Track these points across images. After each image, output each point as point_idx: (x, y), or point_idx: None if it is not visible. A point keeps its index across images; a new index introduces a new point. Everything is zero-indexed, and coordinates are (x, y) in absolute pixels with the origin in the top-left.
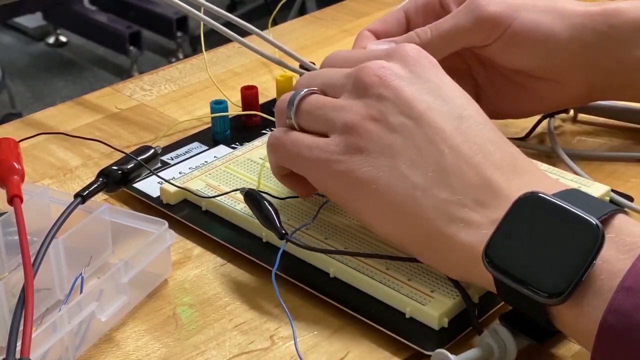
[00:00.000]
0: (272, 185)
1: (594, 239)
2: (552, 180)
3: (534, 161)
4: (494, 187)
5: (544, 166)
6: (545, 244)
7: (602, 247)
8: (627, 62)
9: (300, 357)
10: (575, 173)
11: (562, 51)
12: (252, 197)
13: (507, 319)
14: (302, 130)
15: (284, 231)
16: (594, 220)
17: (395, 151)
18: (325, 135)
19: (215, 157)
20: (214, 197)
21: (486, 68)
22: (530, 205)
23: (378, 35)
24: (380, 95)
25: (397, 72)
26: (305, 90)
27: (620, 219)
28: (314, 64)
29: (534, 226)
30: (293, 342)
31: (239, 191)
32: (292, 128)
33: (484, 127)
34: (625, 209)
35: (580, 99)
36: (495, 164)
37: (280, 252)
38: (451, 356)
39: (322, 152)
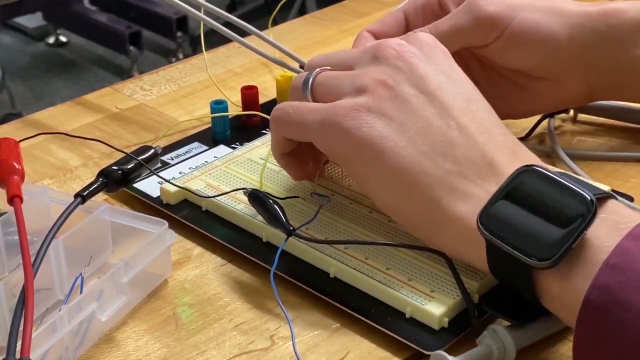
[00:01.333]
0: (272, 186)
1: (587, 210)
2: (550, 167)
3: None
4: (495, 165)
5: None
6: (540, 212)
7: (595, 218)
8: (626, 62)
9: (298, 358)
10: (575, 173)
11: (561, 51)
12: (256, 196)
13: (487, 302)
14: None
15: (291, 227)
16: (588, 195)
17: (405, 117)
18: None
19: (215, 157)
20: (214, 196)
21: (485, 68)
22: (527, 177)
23: (377, 36)
24: (395, 66)
25: (414, 51)
26: (319, 69)
27: (612, 203)
28: None
29: (530, 196)
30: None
31: (239, 191)
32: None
33: (489, 114)
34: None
35: (580, 99)
36: (498, 146)
37: (279, 251)
38: (450, 358)
39: (330, 110)
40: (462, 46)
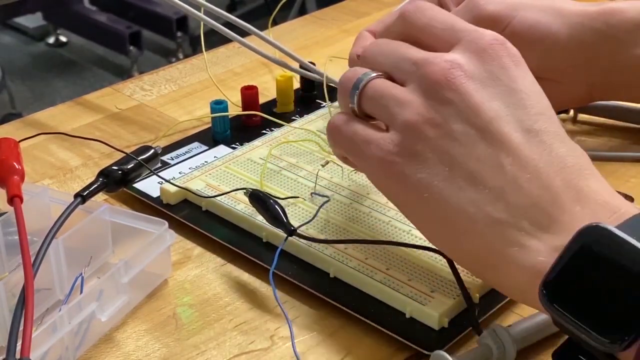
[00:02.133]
0: (272, 186)
1: None
2: (622, 201)
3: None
4: (554, 210)
5: None
6: (610, 283)
7: None
8: (626, 62)
9: (298, 358)
10: None
11: (561, 50)
12: (257, 197)
13: (560, 356)
14: (363, 113)
15: (292, 227)
16: None
17: (453, 161)
18: (385, 125)
19: (215, 157)
20: (214, 196)
21: None
22: (594, 239)
23: (377, 37)
24: (445, 99)
25: (470, 71)
26: (371, 75)
27: None
28: (313, 64)
29: (597, 263)
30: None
31: (240, 191)
32: (353, 111)
33: (555, 141)
34: None
35: (580, 99)
36: (562, 182)
37: (279, 250)
38: (450, 358)
39: (378, 150)
40: None
